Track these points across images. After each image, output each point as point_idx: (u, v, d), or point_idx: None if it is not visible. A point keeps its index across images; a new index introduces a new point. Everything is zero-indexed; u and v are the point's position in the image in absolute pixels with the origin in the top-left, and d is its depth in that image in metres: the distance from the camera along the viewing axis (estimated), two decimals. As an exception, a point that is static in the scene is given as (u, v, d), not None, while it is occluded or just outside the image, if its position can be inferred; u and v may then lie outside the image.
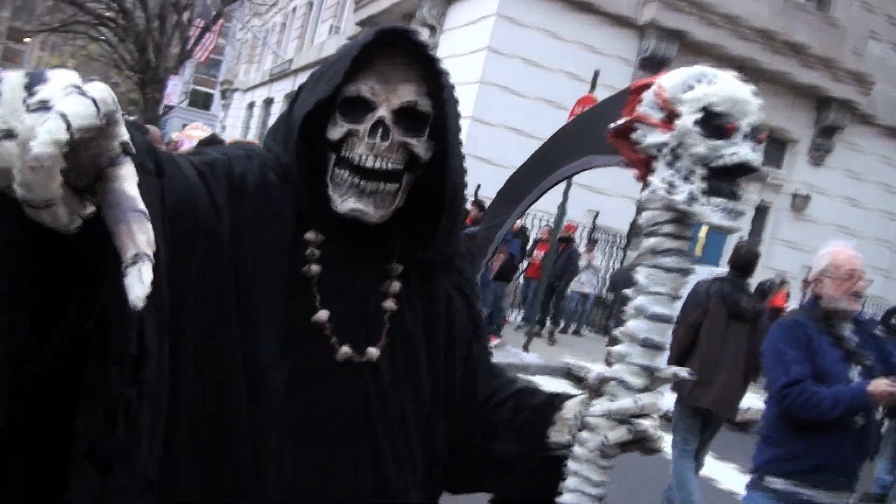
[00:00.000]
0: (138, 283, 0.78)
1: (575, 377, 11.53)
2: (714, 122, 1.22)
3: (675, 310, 1.31)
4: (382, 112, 1.35)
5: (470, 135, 15.87)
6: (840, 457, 3.74)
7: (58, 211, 0.77)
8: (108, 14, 26.69)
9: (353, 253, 1.43)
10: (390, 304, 1.45)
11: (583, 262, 15.04)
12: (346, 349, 1.36)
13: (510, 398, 1.58)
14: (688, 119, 1.23)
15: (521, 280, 14.56)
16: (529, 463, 1.47)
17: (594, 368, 10.42)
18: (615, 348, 1.34)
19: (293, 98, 1.48)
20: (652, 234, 1.31)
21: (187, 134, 25.00)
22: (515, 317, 15.02)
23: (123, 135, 0.83)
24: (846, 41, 19.32)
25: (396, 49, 1.39)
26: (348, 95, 1.37)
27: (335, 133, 1.37)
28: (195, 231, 1.19)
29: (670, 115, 1.26)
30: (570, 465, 1.34)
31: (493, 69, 16.36)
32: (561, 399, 1.51)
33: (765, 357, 4.01)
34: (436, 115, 1.42)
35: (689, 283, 8.76)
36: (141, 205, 0.82)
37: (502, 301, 12.93)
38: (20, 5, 26.14)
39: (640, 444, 1.31)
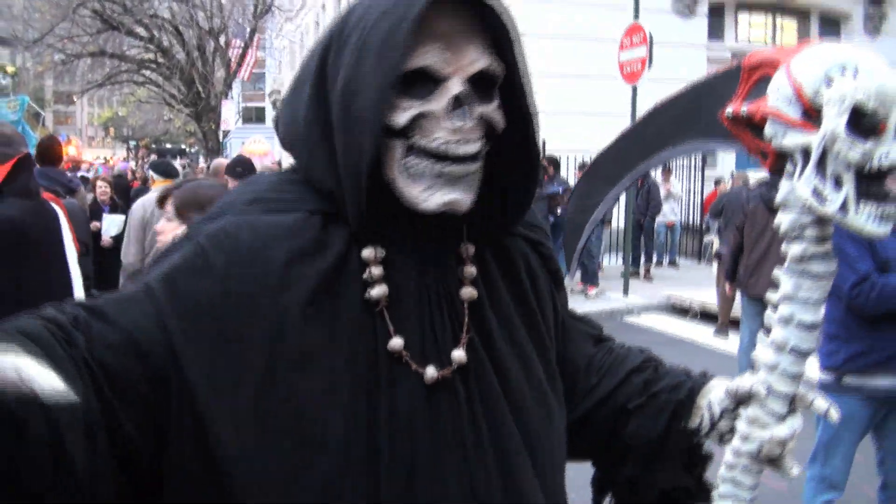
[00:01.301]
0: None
1: (678, 310, 11.45)
2: (862, 121, 1.12)
3: (822, 314, 1.26)
4: (457, 84, 1.14)
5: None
6: None
7: None
8: (147, 56, 27.12)
9: (418, 255, 1.23)
10: (468, 292, 1.25)
11: (661, 193, 14.83)
12: (431, 371, 1.17)
13: (633, 374, 1.46)
14: (836, 121, 1.12)
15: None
16: (663, 451, 1.40)
17: (695, 298, 10.33)
18: (763, 358, 1.30)
19: (312, 94, 1.21)
20: (796, 239, 1.24)
21: (249, 150, 25.32)
22: (608, 262, 14.90)
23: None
24: None
25: (446, 3, 1.15)
26: (408, 70, 1.12)
27: (401, 117, 1.13)
28: (160, 369, 1.06)
29: (809, 113, 1.16)
30: (723, 472, 1.34)
31: (531, 17, 16.09)
32: (697, 384, 1.41)
33: None
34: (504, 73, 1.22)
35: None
36: None
37: (592, 248, 12.73)
38: (63, 70, 26.64)
39: (780, 461, 1.30)
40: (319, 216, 1.19)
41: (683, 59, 16.23)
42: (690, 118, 1.43)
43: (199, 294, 1.10)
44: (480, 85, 1.17)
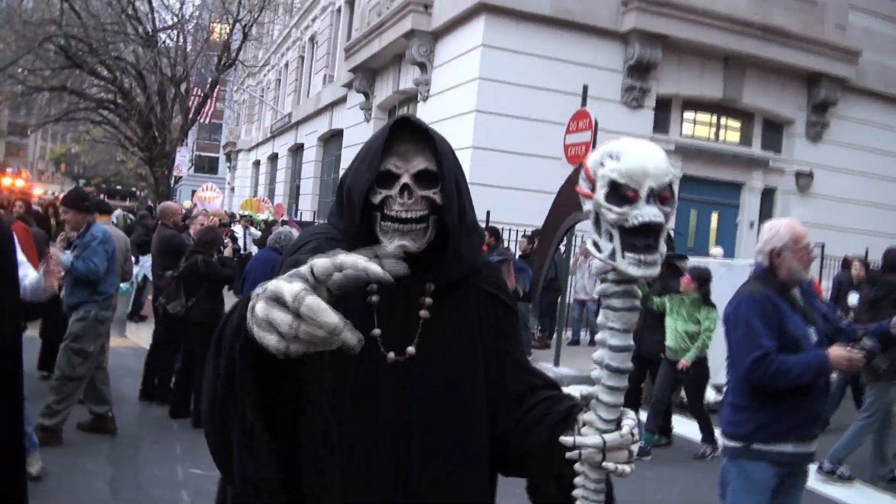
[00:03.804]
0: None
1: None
2: (620, 192, 1.52)
3: (629, 340, 1.61)
4: (405, 178, 1.86)
5: (473, 163, 16.14)
6: (814, 411, 4.12)
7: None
8: (107, 97, 27.08)
9: (399, 281, 1.73)
10: (423, 314, 1.92)
11: (584, 269, 14.86)
12: (391, 355, 1.86)
13: (544, 401, 1.96)
14: (599, 193, 1.55)
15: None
16: (550, 458, 1.82)
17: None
18: (593, 372, 1.65)
19: (341, 180, 2.00)
20: (602, 280, 1.62)
21: (199, 197, 25.41)
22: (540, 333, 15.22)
23: None
24: (827, 17, 19.24)
25: (406, 130, 1.91)
26: (380, 172, 1.87)
27: (376, 199, 1.87)
28: None
29: (594, 187, 1.57)
30: (577, 466, 1.68)
31: (487, 97, 16.63)
32: (576, 409, 1.83)
33: (734, 328, 4.23)
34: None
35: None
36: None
37: (528, 319, 13.13)
38: (21, 101, 26.52)
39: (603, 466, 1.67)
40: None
41: (629, 146, 16.72)
42: (571, 195, 1.92)
43: None
44: (425, 179, 1.88)
